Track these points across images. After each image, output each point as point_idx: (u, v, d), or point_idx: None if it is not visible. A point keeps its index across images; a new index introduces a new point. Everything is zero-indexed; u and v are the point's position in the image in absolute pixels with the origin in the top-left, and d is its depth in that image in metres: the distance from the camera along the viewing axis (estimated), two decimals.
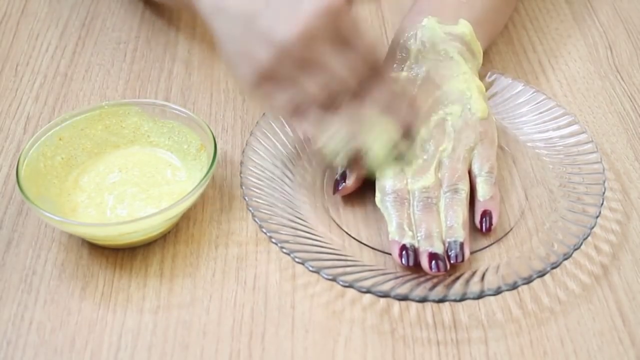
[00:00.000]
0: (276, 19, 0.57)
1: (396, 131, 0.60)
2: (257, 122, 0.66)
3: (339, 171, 0.63)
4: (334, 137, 0.60)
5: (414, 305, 0.57)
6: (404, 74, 0.66)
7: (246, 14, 0.58)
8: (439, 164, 0.61)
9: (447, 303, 0.57)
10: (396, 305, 0.57)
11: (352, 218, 0.62)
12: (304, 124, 0.60)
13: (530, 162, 0.66)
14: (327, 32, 0.56)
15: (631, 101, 0.73)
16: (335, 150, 0.60)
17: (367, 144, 0.60)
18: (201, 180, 0.59)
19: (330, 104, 0.58)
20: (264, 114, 0.67)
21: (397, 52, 0.68)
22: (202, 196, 0.64)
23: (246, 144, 0.64)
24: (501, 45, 0.79)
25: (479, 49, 0.68)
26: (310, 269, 0.56)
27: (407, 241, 0.58)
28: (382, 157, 0.60)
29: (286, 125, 0.66)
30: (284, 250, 0.57)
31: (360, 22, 0.58)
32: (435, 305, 0.57)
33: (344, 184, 0.62)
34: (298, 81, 0.58)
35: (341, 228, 0.62)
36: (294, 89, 0.58)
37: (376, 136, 0.60)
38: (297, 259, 0.56)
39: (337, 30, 0.57)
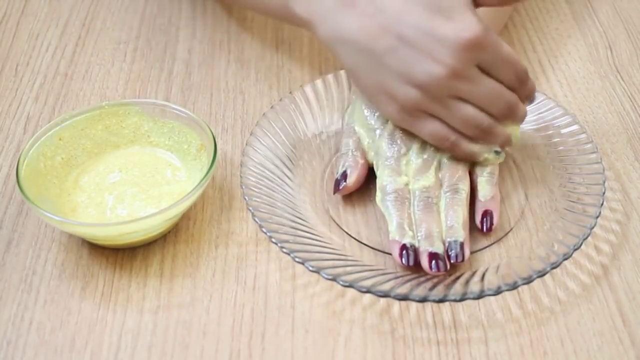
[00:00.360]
0: (415, 57, 0.57)
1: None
2: (257, 122, 0.66)
3: (339, 171, 0.63)
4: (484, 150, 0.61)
5: (414, 305, 0.57)
6: None
7: (381, 53, 0.58)
8: (440, 164, 0.61)
9: (447, 303, 0.57)
10: (396, 305, 0.57)
11: (352, 218, 0.62)
12: (458, 151, 0.60)
13: (530, 163, 0.66)
14: (472, 60, 0.57)
15: (631, 101, 0.73)
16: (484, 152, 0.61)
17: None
18: (201, 180, 0.59)
19: (483, 129, 0.59)
20: (264, 114, 0.67)
21: None
22: (202, 196, 0.64)
23: (246, 144, 0.64)
24: None
25: None
26: (310, 269, 0.56)
27: (407, 241, 0.58)
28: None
29: (287, 125, 0.66)
30: (284, 250, 0.57)
31: (499, 39, 0.58)
32: (435, 305, 0.57)
33: (344, 183, 0.62)
34: (445, 112, 0.58)
35: (341, 228, 0.62)
36: (441, 121, 0.59)
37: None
38: (297, 259, 0.56)
39: (481, 58, 0.57)
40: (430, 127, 0.60)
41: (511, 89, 0.59)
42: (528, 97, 0.61)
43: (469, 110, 0.58)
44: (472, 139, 0.60)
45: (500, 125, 0.60)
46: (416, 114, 0.59)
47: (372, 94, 0.61)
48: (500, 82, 0.59)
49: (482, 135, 0.60)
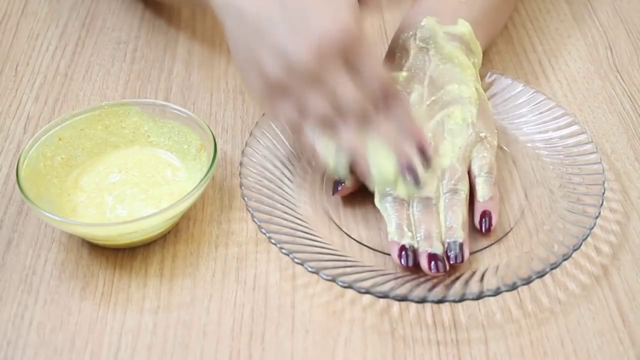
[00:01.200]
0: (290, 34, 0.57)
1: (394, 163, 0.59)
2: (256, 123, 0.66)
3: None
4: (333, 154, 0.60)
5: (414, 306, 0.57)
6: (404, 74, 0.66)
7: (260, 22, 0.58)
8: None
9: (447, 303, 0.57)
10: (396, 305, 0.57)
11: (352, 219, 0.62)
12: (304, 138, 0.60)
13: (530, 163, 0.66)
14: (337, 53, 0.57)
15: (631, 101, 0.73)
16: (334, 167, 0.60)
17: (368, 167, 0.60)
18: (201, 180, 0.59)
19: (331, 123, 0.59)
20: (263, 114, 0.67)
21: (397, 52, 0.68)
22: (202, 196, 0.64)
23: (246, 144, 0.64)
24: (501, 45, 0.79)
25: (478, 49, 0.68)
26: (310, 269, 0.56)
27: (406, 242, 0.58)
28: (381, 180, 0.60)
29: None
30: (283, 251, 0.57)
31: (371, 49, 0.59)
32: (435, 305, 0.57)
33: (343, 184, 0.62)
34: (303, 97, 0.58)
35: (341, 229, 0.61)
36: (299, 104, 0.59)
37: (377, 162, 0.59)
38: (296, 260, 0.56)
39: (347, 54, 0.57)
40: (286, 109, 0.59)
41: (374, 100, 0.59)
42: (392, 109, 0.59)
43: (322, 101, 0.58)
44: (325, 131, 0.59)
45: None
46: (277, 92, 0.59)
47: (243, 66, 0.61)
48: (364, 90, 0.58)
49: (328, 130, 0.59)
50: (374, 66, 0.59)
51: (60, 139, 0.64)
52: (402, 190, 0.60)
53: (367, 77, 0.58)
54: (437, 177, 0.61)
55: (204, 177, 0.59)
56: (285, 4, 0.58)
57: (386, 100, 0.59)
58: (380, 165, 0.59)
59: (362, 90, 0.58)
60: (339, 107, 0.58)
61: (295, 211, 0.61)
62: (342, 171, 0.60)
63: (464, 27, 0.67)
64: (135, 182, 0.63)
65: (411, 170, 0.59)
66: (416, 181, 0.59)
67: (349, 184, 0.62)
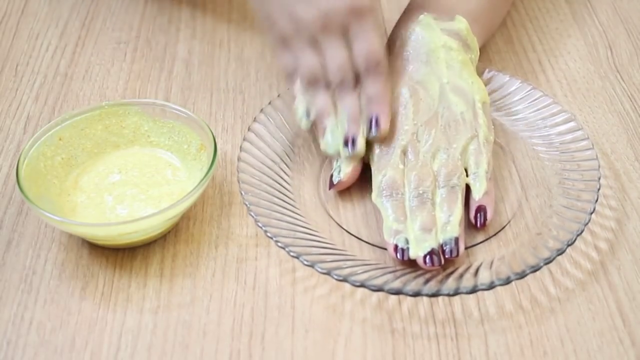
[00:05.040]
0: None
1: (345, 131, 0.63)
2: (254, 118, 0.67)
3: (334, 166, 0.63)
4: (305, 106, 0.64)
5: (414, 305, 0.57)
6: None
7: None
8: (434, 158, 0.62)
9: (447, 303, 0.57)
10: (397, 305, 0.57)
11: (351, 214, 0.62)
12: (293, 87, 0.65)
13: (527, 159, 0.66)
14: (341, 25, 0.62)
15: (631, 101, 0.73)
16: (300, 117, 0.65)
17: (325, 128, 0.63)
18: (201, 180, 0.59)
19: (315, 82, 0.63)
20: (261, 109, 0.67)
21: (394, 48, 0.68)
22: (202, 196, 0.64)
23: (244, 140, 0.65)
24: (501, 45, 0.79)
25: (475, 45, 0.68)
26: (305, 262, 0.56)
27: (401, 240, 0.58)
28: (330, 148, 0.63)
29: (284, 121, 0.67)
30: (279, 244, 0.57)
31: (377, 26, 0.63)
32: (435, 304, 0.57)
33: (339, 178, 0.62)
34: (300, 52, 0.63)
35: (340, 226, 0.62)
36: (297, 57, 0.64)
37: (332, 130, 0.63)
38: (292, 253, 0.56)
39: (350, 26, 0.62)
40: (285, 59, 0.65)
41: (356, 71, 0.63)
42: (367, 81, 0.63)
43: (312, 60, 0.63)
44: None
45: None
46: (282, 43, 0.64)
47: (261, 20, 0.67)
48: (352, 61, 0.63)
49: (311, 87, 0.64)
50: (369, 41, 0.62)
51: (60, 139, 0.64)
52: (330, 148, 0.64)
53: (358, 47, 0.62)
54: (433, 172, 0.61)
55: (204, 177, 0.59)
56: None
57: (367, 71, 0.62)
58: (333, 133, 0.63)
59: (351, 60, 0.62)
60: (325, 70, 0.63)
61: (292, 206, 0.61)
62: (305, 124, 0.65)
63: (461, 23, 0.67)
64: (135, 182, 0.63)
65: (353, 142, 0.62)
66: (353, 148, 0.62)
67: (344, 178, 0.62)
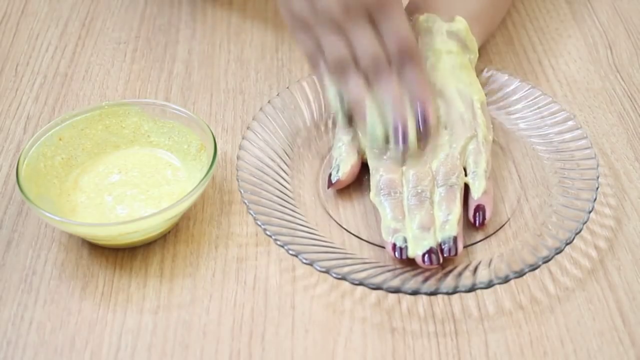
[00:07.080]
0: None
1: (390, 121, 0.60)
2: (253, 117, 0.67)
3: (333, 165, 0.63)
4: (336, 99, 0.62)
5: (414, 304, 0.57)
6: None
7: None
8: (433, 159, 0.62)
9: (447, 302, 0.57)
10: (396, 304, 0.57)
11: (351, 213, 0.62)
12: (318, 71, 0.62)
13: (526, 158, 0.66)
14: (364, 11, 0.59)
15: (631, 101, 0.73)
16: (335, 111, 0.62)
17: (365, 120, 0.61)
18: (201, 180, 0.59)
19: (343, 68, 0.60)
20: (260, 108, 0.67)
21: None
22: (202, 196, 0.64)
23: (243, 138, 0.65)
24: (501, 45, 0.79)
25: (474, 46, 0.68)
26: (304, 261, 0.56)
27: (399, 239, 0.58)
28: (374, 139, 0.61)
29: (283, 120, 0.67)
30: (278, 243, 0.57)
31: (402, 11, 0.60)
32: (435, 303, 0.57)
33: (337, 177, 0.62)
34: (322, 36, 0.60)
35: (340, 225, 0.62)
36: (320, 41, 0.61)
37: (373, 118, 0.60)
38: (290, 251, 0.56)
39: (374, 12, 0.59)
40: (306, 42, 0.62)
41: (389, 56, 0.60)
42: (405, 69, 0.60)
43: (338, 44, 0.60)
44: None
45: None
46: (300, 27, 0.61)
47: (281, 3, 0.63)
48: (382, 46, 0.60)
49: (339, 74, 0.61)
50: (399, 26, 0.59)
51: (60, 139, 0.64)
52: (391, 153, 0.61)
53: (388, 34, 0.59)
54: (432, 171, 0.61)
55: (204, 177, 0.59)
56: None
57: (402, 59, 0.60)
58: (375, 122, 0.60)
59: (381, 45, 0.59)
60: (354, 55, 0.60)
61: (292, 205, 0.62)
62: (342, 119, 0.62)
63: (460, 24, 0.67)
64: (135, 182, 0.63)
65: (403, 132, 0.60)
66: (404, 142, 0.60)
67: (343, 177, 0.62)
